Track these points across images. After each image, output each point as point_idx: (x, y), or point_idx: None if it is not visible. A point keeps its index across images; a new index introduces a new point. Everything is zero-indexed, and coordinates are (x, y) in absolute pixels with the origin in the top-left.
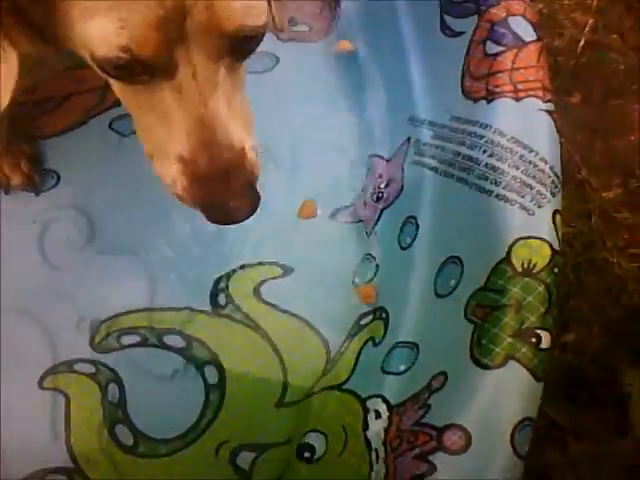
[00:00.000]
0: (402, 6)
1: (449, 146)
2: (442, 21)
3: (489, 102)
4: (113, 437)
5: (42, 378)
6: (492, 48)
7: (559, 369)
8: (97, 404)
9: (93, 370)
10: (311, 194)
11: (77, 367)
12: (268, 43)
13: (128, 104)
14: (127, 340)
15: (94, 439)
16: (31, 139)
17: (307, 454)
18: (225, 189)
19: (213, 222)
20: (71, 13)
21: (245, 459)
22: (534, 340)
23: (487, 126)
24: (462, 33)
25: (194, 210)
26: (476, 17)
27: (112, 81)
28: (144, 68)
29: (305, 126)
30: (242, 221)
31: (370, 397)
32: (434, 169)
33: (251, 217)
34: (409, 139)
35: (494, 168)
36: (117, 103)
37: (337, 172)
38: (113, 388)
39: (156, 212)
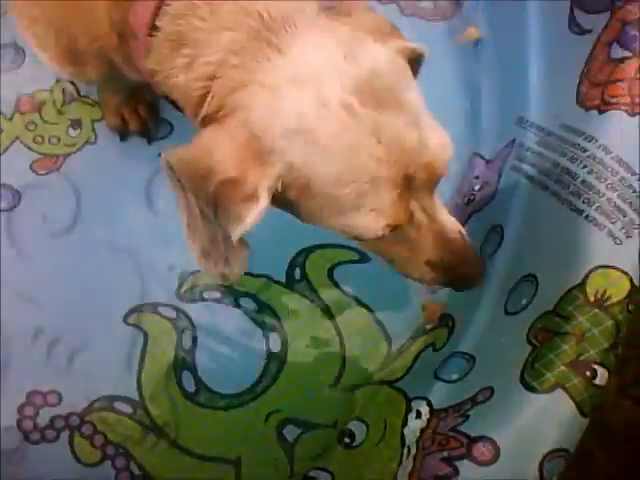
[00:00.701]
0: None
1: (551, 155)
2: (572, 16)
3: (601, 113)
4: (178, 381)
5: (128, 314)
6: (617, 52)
7: (626, 420)
8: (171, 347)
9: (174, 315)
10: None
11: (161, 310)
12: (391, 16)
13: (370, 247)
14: (208, 295)
15: (162, 379)
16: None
17: (347, 440)
18: (466, 268)
19: (455, 289)
20: (320, 213)
21: (291, 432)
22: (589, 374)
23: (593, 139)
24: (589, 31)
25: None
26: (609, 14)
27: None
28: (394, 229)
29: None
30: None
31: (417, 398)
32: (530, 178)
33: None
34: (514, 141)
35: (590, 186)
36: None
37: None
38: (187, 336)
39: None
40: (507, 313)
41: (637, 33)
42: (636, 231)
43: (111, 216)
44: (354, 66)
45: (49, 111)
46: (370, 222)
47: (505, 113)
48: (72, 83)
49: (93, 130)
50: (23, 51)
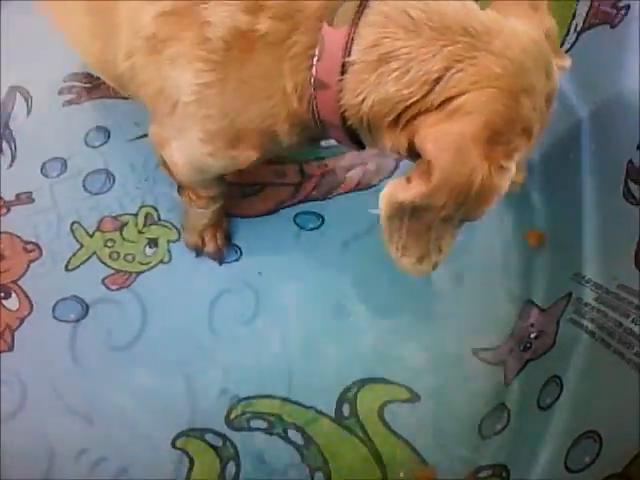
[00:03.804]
0: (587, 164)
1: (612, 314)
2: (626, 187)
3: None
4: None
5: (176, 437)
6: None
7: None
8: (214, 477)
9: (220, 444)
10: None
11: (208, 437)
12: None
13: None
14: (256, 424)
15: None
16: (227, 216)
17: None
18: None
19: None
20: None
21: None
22: None
23: None
24: None
25: None
26: None
27: None
28: None
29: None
30: None
31: None
32: (591, 333)
33: None
34: (570, 294)
35: None
36: (306, 199)
37: (491, 310)
38: (231, 467)
39: None
40: (568, 470)
41: None
42: None
43: (173, 336)
44: (551, 83)
45: (130, 231)
46: None
47: (561, 267)
48: (155, 209)
49: (168, 250)
50: (113, 178)
